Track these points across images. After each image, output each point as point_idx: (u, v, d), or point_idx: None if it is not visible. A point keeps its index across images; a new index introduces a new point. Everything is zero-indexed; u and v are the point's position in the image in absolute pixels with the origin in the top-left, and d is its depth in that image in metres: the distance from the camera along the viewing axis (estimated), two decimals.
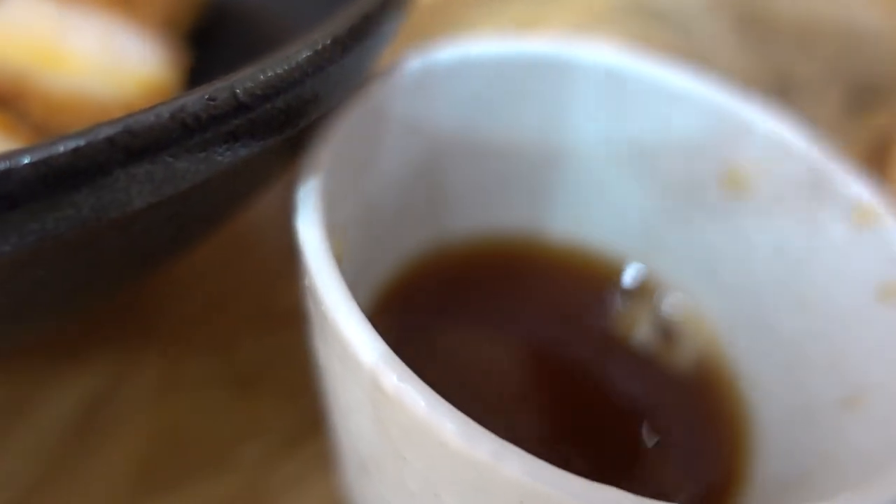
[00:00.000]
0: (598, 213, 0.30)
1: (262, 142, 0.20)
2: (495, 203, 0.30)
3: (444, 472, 0.19)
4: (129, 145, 0.17)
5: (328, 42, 0.21)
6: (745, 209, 0.28)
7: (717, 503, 0.25)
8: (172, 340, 0.32)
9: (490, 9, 0.48)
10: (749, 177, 0.28)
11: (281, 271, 0.23)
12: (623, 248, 0.30)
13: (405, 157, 0.28)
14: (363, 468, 0.23)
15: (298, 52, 0.20)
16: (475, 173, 0.30)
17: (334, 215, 0.23)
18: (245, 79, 0.19)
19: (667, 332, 0.29)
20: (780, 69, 0.48)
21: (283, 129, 0.20)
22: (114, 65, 0.28)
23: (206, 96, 0.19)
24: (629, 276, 0.30)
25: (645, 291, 0.30)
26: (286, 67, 0.20)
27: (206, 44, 0.34)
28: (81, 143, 0.17)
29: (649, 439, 0.27)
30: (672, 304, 0.30)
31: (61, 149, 0.17)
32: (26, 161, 0.16)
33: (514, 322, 0.30)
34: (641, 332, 0.29)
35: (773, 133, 0.27)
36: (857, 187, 0.26)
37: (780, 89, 0.46)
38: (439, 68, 0.28)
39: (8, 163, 0.16)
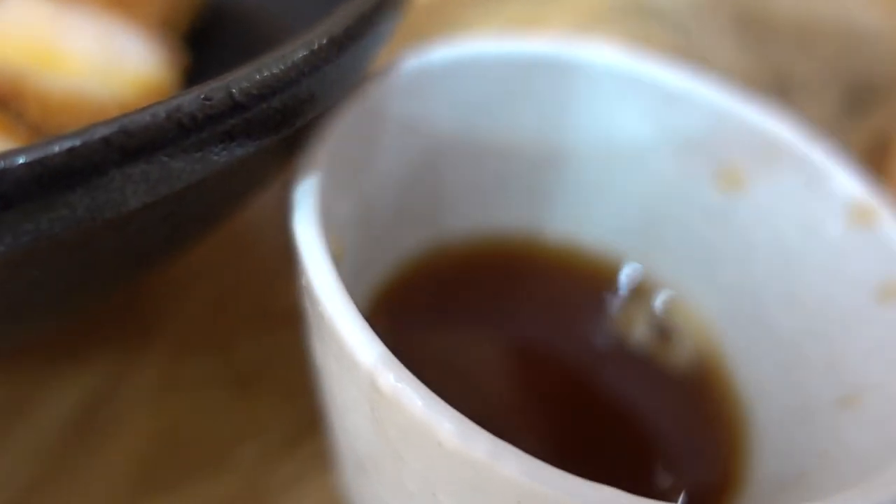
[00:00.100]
0: (596, 212, 0.30)
1: (258, 142, 0.20)
2: (493, 203, 0.30)
3: (441, 471, 0.19)
4: (124, 145, 0.17)
5: (324, 42, 0.21)
6: (743, 208, 0.28)
7: (714, 501, 0.25)
8: (171, 340, 0.32)
9: (487, 8, 0.48)
10: (746, 176, 0.28)
11: (280, 271, 0.23)
12: (620, 248, 0.30)
13: (403, 156, 0.28)
14: (361, 468, 0.23)
15: (294, 52, 0.20)
16: (473, 173, 0.30)
17: (331, 215, 0.23)
18: (241, 78, 0.19)
19: (664, 331, 0.29)
20: (778, 69, 0.48)
21: (279, 128, 0.20)
22: (111, 65, 0.28)
23: (202, 96, 0.19)
24: (626, 276, 0.30)
25: (642, 291, 0.30)
26: (282, 67, 0.20)
27: (204, 44, 0.34)
28: (76, 142, 0.17)
29: (646, 439, 0.27)
30: (669, 303, 0.30)
31: (56, 149, 0.17)
32: (21, 161, 0.16)
33: (512, 322, 0.30)
34: (638, 331, 0.29)
35: (770, 132, 0.27)
36: (854, 186, 0.26)
37: (779, 89, 0.46)
38: (436, 68, 0.28)
39: (3, 163, 0.16)
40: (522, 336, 0.30)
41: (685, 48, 0.48)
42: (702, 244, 0.29)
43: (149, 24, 0.30)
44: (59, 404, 0.30)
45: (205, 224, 0.26)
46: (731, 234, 0.28)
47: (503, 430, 0.19)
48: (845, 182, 0.26)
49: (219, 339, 0.33)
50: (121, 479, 0.29)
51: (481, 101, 0.29)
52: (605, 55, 0.29)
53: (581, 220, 0.31)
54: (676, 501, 0.18)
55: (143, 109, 0.18)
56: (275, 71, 0.20)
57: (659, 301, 0.30)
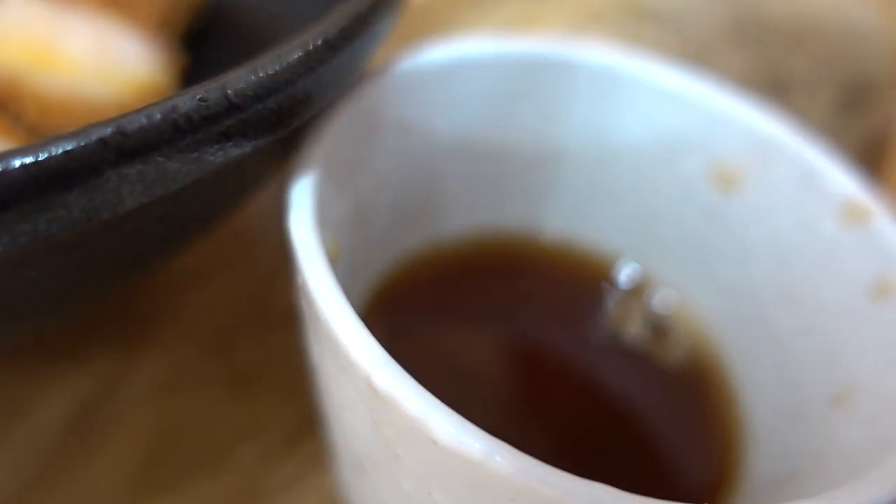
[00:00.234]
0: (592, 211, 0.30)
1: (254, 142, 0.20)
2: (489, 202, 0.30)
3: (436, 470, 0.19)
4: (120, 146, 0.17)
5: (319, 43, 0.21)
6: (737, 207, 0.28)
7: (709, 499, 0.25)
8: (171, 340, 0.32)
9: (484, 9, 0.48)
10: (740, 175, 0.28)
11: (279, 271, 0.23)
12: (616, 246, 0.31)
13: (399, 156, 0.28)
14: (358, 467, 0.24)
15: (290, 53, 0.20)
16: (469, 173, 0.30)
17: (327, 215, 0.23)
18: (236, 79, 0.19)
19: (660, 329, 0.29)
20: (774, 68, 0.48)
21: (274, 129, 0.20)
22: (109, 66, 0.28)
23: (198, 97, 0.19)
24: (622, 274, 0.31)
25: (638, 289, 0.30)
26: (277, 68, 0.20)
27: (202, 44, 0.34)
28: (73, 144, 0.17)
29: (641, 436, 0.27)
30: (664, 301, 0.30)
31: (53, 150, 0.17)
32: (17, 162, 0.16)
33: (509, 320, 0.30)
34: (634, 329, 0.29)
35: (764, 132, 0.28)
36: (848, 185, 0.26)
37: (775, 88, 0.46)
38: (432, 68, 0.28)
39: (0, 164, 0.16)
40: (519, 334, 0.30)
41: (681, 48, 0.48)
42: (697, 243, 0.29)
43: (146, 25, 0.30)
44: (58, 404, 0.30)
45: (201, 224, 0.26)
46: (727, 232, 0.29)
47: (500, 428, 0.19)
48: (839, 181, 0.26)
49: (218, 339, 0.33)
50: (120, 478, 0.29)
51: (477, 101, 0.29)
52: (600, 55, 0.29)
53: (577, 219, 0.31)
54: (670, 499, 0.18)
55: (139, 110, 0.18)
56: (270, 72, 0.20)
57: (655, 299, 0.30)
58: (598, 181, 0.30)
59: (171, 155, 0.18)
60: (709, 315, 0.29)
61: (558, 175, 0.30)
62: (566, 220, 0.31)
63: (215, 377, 0.32)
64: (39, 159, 0.17)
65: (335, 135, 0.25)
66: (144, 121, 0.18)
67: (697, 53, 0.47)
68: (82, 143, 0.17)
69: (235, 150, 0.20)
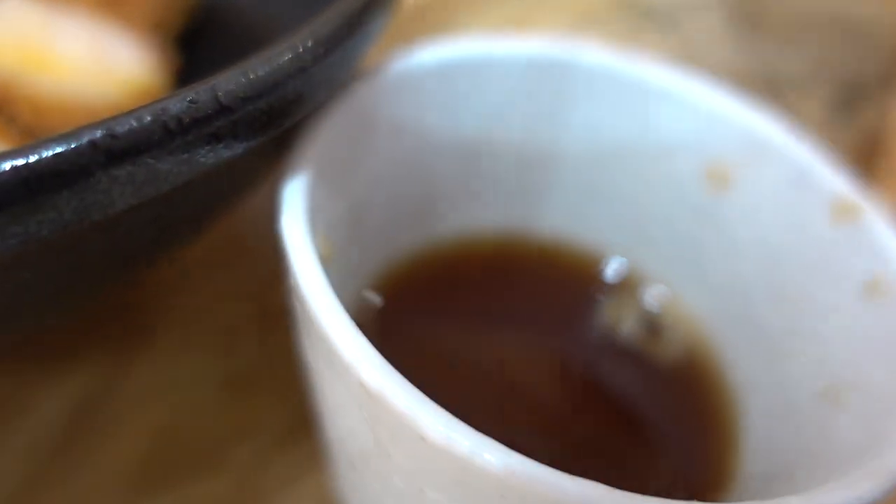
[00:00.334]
0: (586, 210, 0.31)
1: (245, 143, 0.20)
2: (484, 202, 0.30)
3: (427, 467, 0.20)
4: (110, 148, 0.17)
5: (309, 44, 0.21)
6: (729, 206, 0.28)
7: (703, 495, 0.26)
8: (168, 341, 0.32)
9: (480, 9, 0.48)
10: (733, 174, 0.28)
11: (275, 271, 0.23)
12: (610, 245, 0.31)
13: (393, 156, 0.28)
14: (352, 465, 0.24)
15: (280, 55, 0.20)
16: (463, 173, 0.30)
17: (320, 215, 0.23)
18: (226, 81, 0.19)
19: (654, 327, 0.29)
20: (769, 67, 0.48)
21: (265, 130, 0.21)
22: (102, 68, 0.29)
23: (188, 99, 0.19)
24: (616, 272, 0.31)
25: (632, 287, 0.30)
26: (267, 69, 0.20)
27: (196, 45, 0.34)
28: (63, 146, 0.17)
29: (635, 433, 0.27)
30: (658, 299, 0.30)
31: (43, 152, 0.17)
32: (8, 165, 0.16)
33: (503, 319, 0.30)
34: (628, 327, 0.29)
35: (756, 131, 0.28)
36: (839, 184, 0.26)
37: (770, 87, 0.46)
38: (427, 68, 0.28)
39: None
40: (513, 333, 0.30)
41: (677, 47, 0.48)
42: (691, 241, 0.29)
43: (140, 26, 0.31)
44: (56, 404, 0.30)
45: (193, 226, 0.26)
46: (719, 231, 0.29)
47: (494, 426, 0.19)
48: (830, 180, 0.26)
49: (215, 339, 0.33)
50: (115, 478, 0.29)
51: (472, 101, 0.29)
52: (593, 55, 0.29)
53: (571, 218, 0.31)
54: (664, 495, 0.18)
55: (129, 112, 0.18)
56: (260, 73, 0.20)
57: (648, 297, 0.30)
58: (591, 181, 0.30)
59: (161, 156, 0.18)
60: (702, 313, 0.29)
61: (552, 175, 0.30)
62: (560, 219, 0.31)
63: (211, 377, 0.32)
64: (30, 161, 0.17)
65: (328, 135, 0.25)
66: (134, 123, 0.18)
67: (693, 53, 0.47)
68: (72, 146, 0.17)
69: (226, 152, 0.20)
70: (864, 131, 0.45)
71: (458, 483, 0.19)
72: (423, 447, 0.19)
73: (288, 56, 0.20)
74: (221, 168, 0.20)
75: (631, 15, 0.50)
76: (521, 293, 0.30)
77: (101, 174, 0.18)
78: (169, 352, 0.32)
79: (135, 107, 0.18)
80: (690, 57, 0.45)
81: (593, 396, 0.28)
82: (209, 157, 0.19)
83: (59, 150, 0.17)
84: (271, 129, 0.21)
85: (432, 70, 0.28)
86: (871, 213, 0.26)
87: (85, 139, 0.17)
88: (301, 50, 0.21)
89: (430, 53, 0.28)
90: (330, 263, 0.22)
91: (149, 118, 0.18)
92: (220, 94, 0.19)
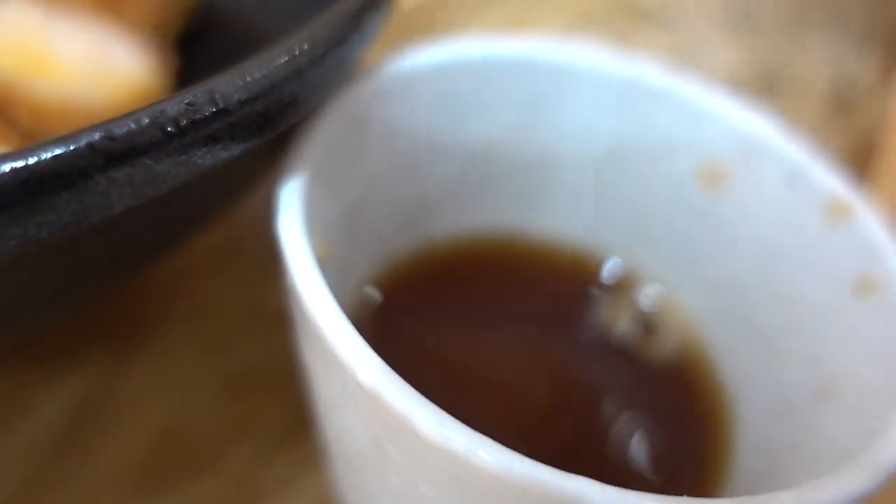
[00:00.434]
0: (581, 210, 0.31)
1: (242, 145, 0.20)
2: (479, 203, 0.30)
3: (422, 464, 0.20)
4: (108, 150, 0.18)
5: (306, 47, 0.21)
6: (724, 205, 0.28)
7: (697, 492, 0.26)
8: (167, 341, 0.33)
9: (477, 10, 0.48)
10: (727, 174, 0.28)
11: (273, 272, 0.23)
12: (606, 245, 0.31)
13: (390, 157, 0.28)
14: (349, 463, 0.24)
15: (276, 57, 0.20)
16: (460, 174, 0.30)
17: (316, 216, 0.23)
18: (224, 83, 0.20)
19: (649, 325, 0.30)
20: (765, 66, 0.48)
21: (262, 132, 0.21)
22: (102, 71, 0.29)
23: (186, 101, 0.19)
24: (611, 272, 0.31)
25: (627, 286, 0.30)
26: (264, 72, 0.20)
27: (196, 47, 0.34)
28: (62, 148, 0.17)
29: (630, 430, 0.28)
30: (653, 298, 0.30)
31: (42, 154, 0.17)
32: (7, 167, 0.17)
33: (498, 319, 0.30)
34: (623, 326, 0.30)
35: (750, 131, 0.28)
36: (832, 183, 0.26)
37: (766, 86, 0.46)
38: (423, 70, 0.28)
39: None
40: (509, 332, 0.30)
41: (675, 47, 0.48)
42: (685, 241, 0.29)
43: (139, 28, 0.31)
44: (55, 405, 0.30)
45: (191, 226, 0.26)
46: (714, 230, 0.29)
47: (489, 424, 0.19)
48: (824, 179, 0.27)
49: (212, 339, 0.33)
50: (114, 479, 0.29)
51: (469, 102, 0.29)
52: (588, 56, 0.29)
53: (567, 218, 0.31)
54: (658, 492, 0.19)
55: (128, 115, 0.18)
56: (257, 76, 0.20)
57: (643, 296, 0.30)
58: (588, 181, 0.30)
59: (159, 158, 0.18)
60: (697, 312, 0.29)
61: (548, 175, 0.30)
62: (556, 219, 0.31)
63: (209, 377, 0.32)
64: (29, 164, 0.17)
65: (325, 136, 0.25)
66: (132, 125, 0.18)
67: (691, 53, 0.48)
68: (71, 148, 0.17)
69: (223, 153, 0.20)
70: (860, 131, 0.45)
71: (453, 480, 0.19)
72: (418, 445, 0.19)
73: (284, 59, 0.21)
74: (219, 169, 0.20)
75: (629, 15, 0.50)
76: (518, 292, 0.30)
77: (100, 176, 0.18)
78: (169, 352, 0.32)
79: (134, 109, 0.18)
80: (688, 57, 0.46)
81: (589, 395, 0.29)
82: (207, 158, 0.20)
83: (57, 152, 0.17)
84: (268, 131, 0.21)
85: (429, 71, 0.28)
86: (865, 212, 0.26)
87: (83, 141, 0.17)
88: (297, 53, 0.21)
89: (427, 54, 0.28)
90: (327, 263, 0.23)
91: (147, 120, 0.18)
92: (217, 96, 0.19)
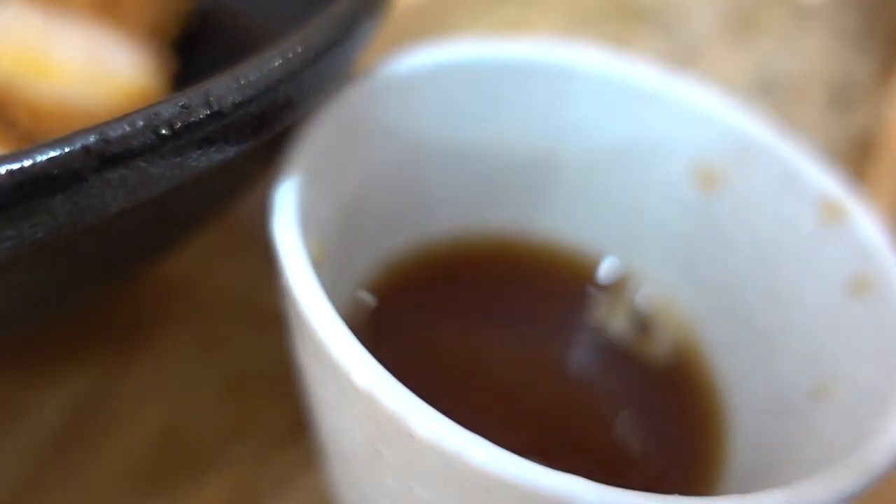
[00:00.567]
0: (578, 211, 0.31)
1: (237, 147, 0.20)
2: (476, 204, 0.31)
3: (415, 464, 0.20)
4: (103, 152, 0.18)
5: (299, 50, 0.21)
6: (719, 206, 0.29)
7: (692, 490, 0.26)
8: (166, 341, 0.33)
9: (474, 11, 0.48)
10: (722, 174, 0.28)
11: (271, 273, 0.23)
12: (601, 245, 0.31)
13: (386, 158, 0.28)
14: (345, 464, 0.24)
15: (270, 60, 0.21)
16: (456, 175, 0.30)
17: (312, 217, 0.23)
18: (218, 86, 0.20)
19: (644, 325, 0.30)
20: (763, 67, 0.48)
21: (257, 134, 0.21)
22: (100, 73, 0.29)
23: (180, 104, 0.19)
24: (607, 272, 0.31)
25: (623, 286, 0.31)
26: (258, 74, 0.20)
27: (193, 50, 0.34)
28: (57, 150, 0.17)
29: (626, 429, 0.28)
30: (649, 298, 0.30)
31: (37, 157, 0.17)
32: (2, 169, 0.17)
33: (494, 319, 0.30)
34: (619, 325, 0.30)
35: (745, 131, 0.28)
36: (827, 183, 0.27)
37: (763, 87, 0.46)
38: (421, 71, 0.28)
39: None
40: (504, 332, 0.30)
41: (673, 49, 0.48)
42: (680, 241, 0.30)
43: (137, 31, 0.31)
44: (55, 405, 0.30)
45: (187, 228, 0.26)
46: (709, 231, 0.29)
47: (485, 425, 0.19)
48: (818, 180, 0.27)
49: (211, 340, 0.33)
50: (117, 478, 0.29)
51: (465, 104, 0.29)
52: (586, 58, 0.29)
53: (564, 218, 0.31)
54: (655, 491, 0.19)
55: (122, 117, 0.18)
56: (251, 78, 0.20)
57: (639, 296, 0.30)
58: (584, 182, 0.31)
59: (153, 160, 0.19)
60: (692, 311, 0.30)
61: (545, 176, 0.30)
62: (553, 219, 0.31)
63: (211, 378, 0.32)
64: (24, 166, 0.17)
65: (321, 138, 0.25)
66: (127, 127, 0.18)
67: (688, 54, 0.48)
68: (66, 150, 0.17)
69: (218, 155, 0.20)
70: (857, 132, 0.45)
71: (447, 481, 0.19)
72: (412, 445, 0.19)
73: (278, 62, 0.21)
74: (213, 171, 0.20)
75: (627, 17, 0.50)
76: (514, 293, 0.30)
77: (95, 178, 0.18)
78: (168, 352, 0.32)
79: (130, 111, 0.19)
80: (685, 58, 0.46)
81: (584, 395, 0.29)
82: (201, 160, 0.20)
83: (52, 154, 0.17)
84: (263, 133, 0.21)
85: (426, 73, 0.28)
86: (858, 212, 0.26)
87: (78, 144, 0.17)
88: (291, 56, 0.21)
89: (423, 56, 0.28)
90: (322, 265, 0.23)
91: (141, 123, 0.18)
92: (211, 98, 0.19)
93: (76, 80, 0.28)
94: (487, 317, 0.30)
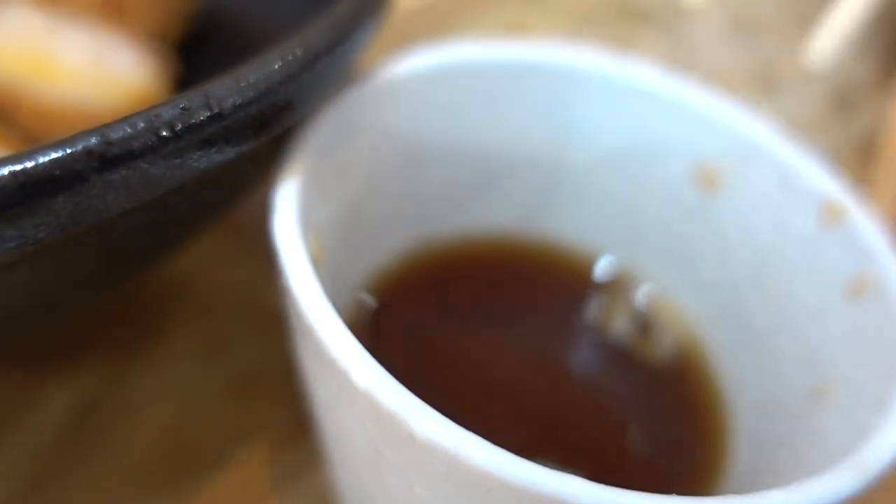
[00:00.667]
0: (579, 211, 0.31)
1: (237, 148, 0.21)
2: (477, 205, 0.31)
3: (415, 464, 0.20)
4: (104, 153, 0.18)
5: (299, 52, 0.21)
6: (719, 207, 0.29)
7: (691, 491, 0.26)
8: (168, 341, 0.33)
9: (477, 12, 0.49)
10: (722, 176, 0.28)
11: (273, 273, 0.23)
12: (601, 246, 0.31)
13: (387, 159, 0.28)
14: (346, 464, 0.24)
15: (270, 62, 0.21)
16: (457, 176, 0.30)
17: (312, 218, 0.24)
18: (218, 88, 0.20)
19: (645, 325, 0.30)
20: (765, 67, 0.48)
21: (257, 135, 0.21)
22: (103, 75, 0.29)
23: (181, 106, 0.19)
24: (608, 272, 0.31)
25: (623, 287, 0.31)
26: (258, 76, 0.20)
27: (196, 52, 0.34)
28: (59, 152, 0.17)
29: (626, 429, 0.28)
30: (650, 299, 0.30)
31: (39, 158, 0.17)
32: (5, 170, 0.17)
33: (494, 319, 0.30)
34: (620, 326, 0.30)
35: (745, 133, 0.28)
36: (826, 185, 0.27)
37: (765, 87, 0.46)
38: (421, 72, 0.28)
39: None
40: (505, 332, 0.30)
41: (674, 50, 0.48)
42: (680, 242, 0.30)
43: (140, 34, 0.31)
44: (57, 405, 0.30)
45: (188, 229, 0.26)
46: (709, 231, 0.29)
47: (485, 424, 0.19)
48: (817, 181, 0.27)
49: (217, 340, 0.33)
50: (118, 478, 0.29)
51: (466, 105, 0.29)
52: (587, 59, 0.29)
53: (564, 218, 0.31)
54: (655, 491, 0.19)
55: (123, 119, 0.18)
56: (251, 80, 0.20)
57: (639, 297, 0.30)
58: (584, 182, 0.31)
59: (154, 161, 0.19)
60: (692, 312, 0.30)
61: (545, 176, 0.31)
62: (553, 220, 0.31)
63: (213, 378, 0.32)
64: (26, 167, 0.17)
65: (321, 139, 0.25)
66: (128, 129, 0.18)
67: (690, 55, 0.48)
68: (68, 151, 0.17)
69: (218, 157, 0.20)
70: (857, 134, 0.45)
71: (447, 481, 0.19)
72: (412, 445, 0.19)
73: (278, 63, 0.21)
74: (214, 173, 0.20)
75: (628, 18, 0.50)
76: (514, 293, 0.31)
77: (96, 179, 0.18)
78: (170, 353, 0.32)
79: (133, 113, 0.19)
80: (687, 59, 0.46)
81: (584, 395, 0.29)
82: (202, 161, 0.20)
83: (54, 155, 0.17)
84: (263, 135, 0.21)
85: (427, 74, 0.28)
86: (858, 214, 0.26)
87: (80, 145, 0.18)
88: (291, 58, 0.21)
89: (424, 58, 0.28)
90: (322, 265, 0.23)
91: (142, 124, 0.18)
92: (212, 100, 0.20)
93: (79, 81, 0.29)
94: (487, 317, 0.30)
